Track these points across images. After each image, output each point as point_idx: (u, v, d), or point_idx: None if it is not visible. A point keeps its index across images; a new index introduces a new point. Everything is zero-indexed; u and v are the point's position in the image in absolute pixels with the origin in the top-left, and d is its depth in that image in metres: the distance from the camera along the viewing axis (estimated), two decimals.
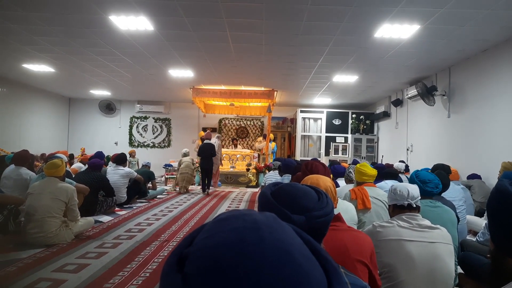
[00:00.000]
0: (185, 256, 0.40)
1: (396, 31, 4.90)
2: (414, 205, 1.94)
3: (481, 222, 3.81)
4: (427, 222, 1.91)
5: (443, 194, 3.09)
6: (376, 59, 6.33)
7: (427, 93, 6.82)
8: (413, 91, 7.31)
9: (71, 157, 7.41)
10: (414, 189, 1.96)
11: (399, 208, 1.97)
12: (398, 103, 8.98)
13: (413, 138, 8.28)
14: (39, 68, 7.70)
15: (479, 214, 4.44)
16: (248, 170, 9.68)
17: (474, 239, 3.24)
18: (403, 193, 1.94)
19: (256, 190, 8.93)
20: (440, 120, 7.03)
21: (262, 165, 9.75)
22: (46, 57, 6.83)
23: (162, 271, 0.41)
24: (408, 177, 3.29)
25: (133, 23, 4.92)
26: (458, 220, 2.65)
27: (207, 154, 7.39)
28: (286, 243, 0.40)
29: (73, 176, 5.14)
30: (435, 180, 2.56)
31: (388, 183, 3.72)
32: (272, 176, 5.57)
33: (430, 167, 4.55)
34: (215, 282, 0.36)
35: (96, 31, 5.32)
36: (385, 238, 1.85)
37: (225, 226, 0.42)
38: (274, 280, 0.36)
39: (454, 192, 3.54)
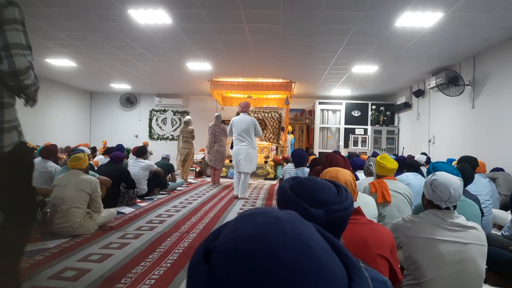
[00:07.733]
0: (211, 249, 0.43)
1: (418, 19, 4.75)
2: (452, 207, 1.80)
3: (507, 216, 3.70)
4: (462, 220, 1.78)
5: (468, 188, 3.01)
6: (397, 48, 6.18)
7: (450, 83, 6.61)
8: (435, 81, 7.10)
9: (93, 150, 7.59)
10: (457, 189, 1.75)
11: (435, 205, 1.82)
12: (419, 93, 8.74)
13: (435, 129, 8.07)
14: (61, 62, 7.89)
15: (504, 207, 4.31)
16: (266, 162, 9.68)
17: (499, 233, 3.16)
18: (443, 196, 1.75)
19: (274, 182, 8.94)
20: (463, 111, 6.82)
21: (280, 157, 9.73)
22: (68, 52, 6.98)
23: (189, 263, 0.44)
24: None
25: (151, 17, 4.96)
26: (482, 214, 2.58)
27: None
28: (307, 237, 0.43)
29: (96, 168, 5.28)
30: (454, 171, 2.50)
31: (408, 176, 3.65)
32: (290, 169, 5.54)
33: (454, 159, 4.44)
34: (239, 271, 0.38)
35: (116, 25, 5.39)
36: (415, 235, 1.77)
37: (248, 222, 0.45)
38: (295, 271, 0.38)
39: (481, 186, 3.44)
